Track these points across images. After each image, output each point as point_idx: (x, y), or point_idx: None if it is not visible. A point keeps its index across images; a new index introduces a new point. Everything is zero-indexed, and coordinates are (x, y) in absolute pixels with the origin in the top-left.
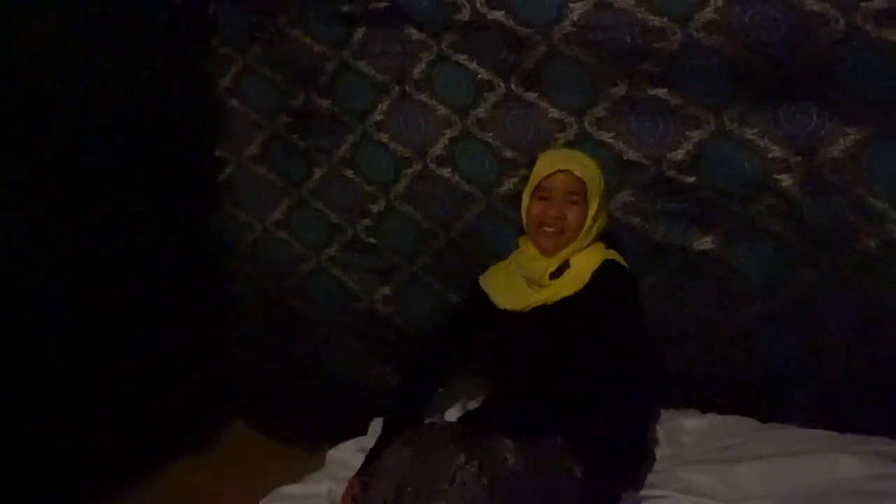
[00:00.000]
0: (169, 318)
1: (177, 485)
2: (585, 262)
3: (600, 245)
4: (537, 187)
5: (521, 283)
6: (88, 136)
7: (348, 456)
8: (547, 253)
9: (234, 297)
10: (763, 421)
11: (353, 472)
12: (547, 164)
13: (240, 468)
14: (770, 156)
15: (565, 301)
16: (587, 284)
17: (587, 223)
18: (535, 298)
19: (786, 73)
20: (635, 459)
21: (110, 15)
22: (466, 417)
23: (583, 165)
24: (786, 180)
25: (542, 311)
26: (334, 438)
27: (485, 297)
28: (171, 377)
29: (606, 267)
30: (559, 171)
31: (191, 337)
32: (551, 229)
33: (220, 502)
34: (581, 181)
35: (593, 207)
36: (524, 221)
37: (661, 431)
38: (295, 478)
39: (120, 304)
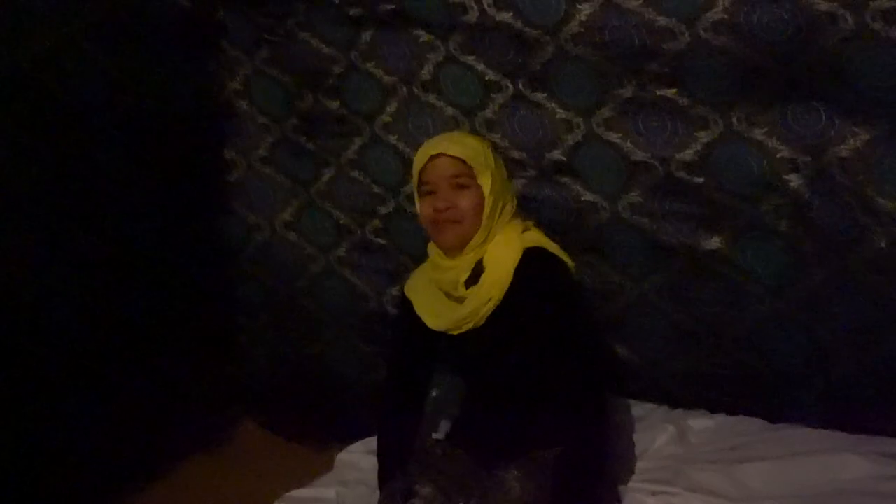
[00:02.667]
0: (179, 319)
1: (188, 485)
2: (502, 259)
3: (514, 228)
4: (420, 183)
5: (439, 297)
6: (98, 140)
7: (357, 458)
8: (452, 252)
9: (244, 299)
10: (771, 421)
11: (360, 474)
12: (420, 154)
13: (251, 468)
14: (778, 156)
15: (496, 314)
16: (511, 286)
17: (486, 206)
18: (459, 316)
19: (794, 72)
20: (599, 466)
21: (119, 19)
22: (453, 439)
23: (459, 144)
24: (794, 180)
25: (474, 331)
26: (343, 438)
27: (413, 309)
28: (182, 378)
29: (528, 259)
30: (433, 157)
31: (201, 338)
32: (446, 223)
33: (233, 503)
34: (461, 161)
35: (486, 186)
36: (424, 227)
37: (669, 431)
38: (305, 478)
39: (130, 305)
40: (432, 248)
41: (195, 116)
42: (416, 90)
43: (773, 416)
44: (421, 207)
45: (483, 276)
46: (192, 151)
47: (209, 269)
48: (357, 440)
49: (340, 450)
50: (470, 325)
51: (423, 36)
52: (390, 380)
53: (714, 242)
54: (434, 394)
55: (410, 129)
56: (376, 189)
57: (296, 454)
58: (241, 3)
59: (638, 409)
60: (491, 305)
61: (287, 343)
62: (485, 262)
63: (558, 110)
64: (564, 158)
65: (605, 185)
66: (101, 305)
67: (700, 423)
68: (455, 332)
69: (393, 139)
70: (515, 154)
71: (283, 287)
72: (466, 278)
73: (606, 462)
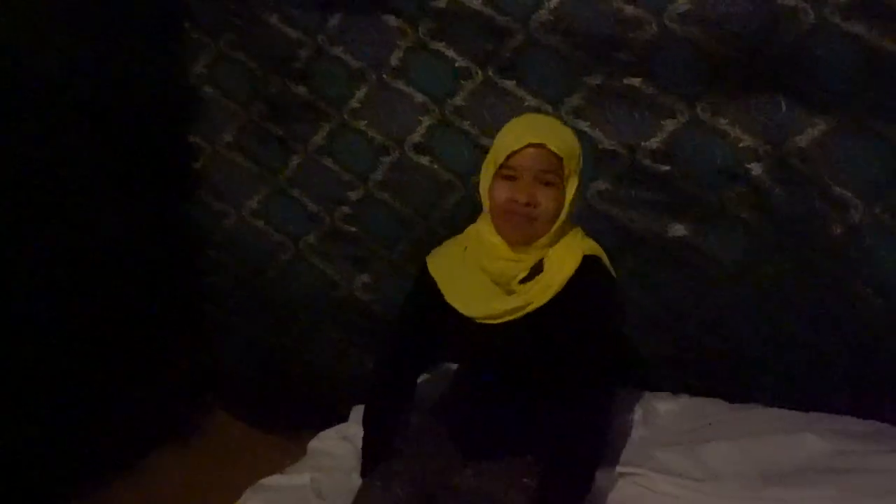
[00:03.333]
0: (146, 308)
1: (160, 475)
2: (560, 263)
3: (576, 233)
4: (503, 166)
5: (482, 282)
6: (59, 126)
7: (330, 445)
8: (514, 245)
9: (212, 287)
10: (732, 402)
11: (335, 461)
12: (515, 136)
13: (223, 458)
14: (741, 145)
15: (539, 312)
16: (564, 290)
17: (564, 210)
18: (502, 308)
19: (757, 64)
20: (591, 472)
21: (79, 2)
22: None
23: (560, 139)
24: (756, 169)
25: (512, 324)
26: (316, 426)
27: (435, 288)
28: (151, 368)
29: (586, 269)
30: (531, 145)
31: (169, 327)
32: (521, 217)
33: (206, 492)
34: (557, 158)
35: (571, 191)
36: (485, 204)
37: (636, 412)
38: (278, 466)
39: (95, 295)
40: (490, 235)
41: (159, 101)
42: (385, 76)
43: (734, 397)
44: (495, 188)
45: (540, 276)
46: (155, 137)
47: (175, 257)
48: (326, 426)
49: (310, 437)
50: (510, 318)
51: (393, 21)
52: (390, 354)
53: (679, 229)
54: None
55: (380, 115)
56: (346, 176)
57: (268, 442)
58: None
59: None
60: (538, 304)
61: (257, 331)
62: (545, 263)
63: (528, 98)
64: None
65: None
66: (65, 296)
67: (665, 404)
68: (488, 322)
69: (362, 125)
70: (485, 141)
71: (251, 275)
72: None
73: (592, 482)
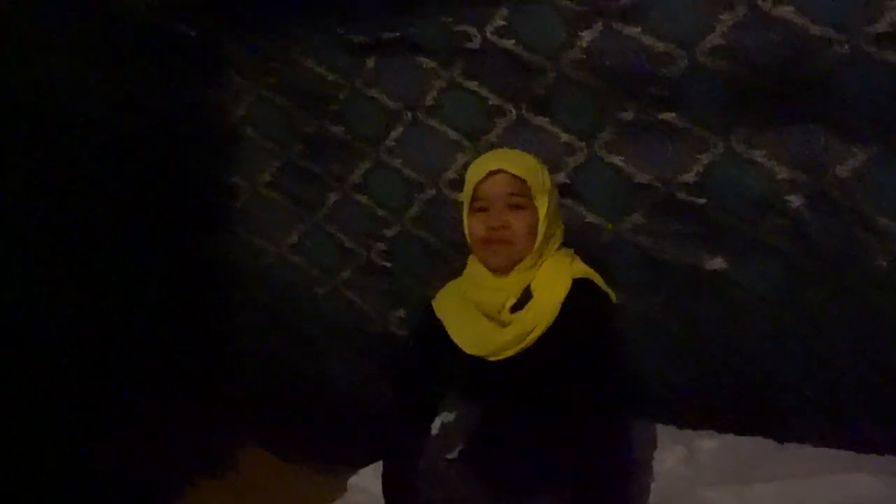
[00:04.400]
0: (183, 344)
1: None
2: (550, 287)
3: (564, 257)
4: (473, 199)
5: (478, 319)
6: (105, 167)
7: (368, 482)
8: (499, 273)
9: (248, 322)
10: (779, 440)
11: (373, 499)
12: (477, 168)
13: (258, 492)
14: (778, 177)
15: (538, 344)
16: (558, 316)
17: (540, 228)
18: (500, 341)
19: (790, 94)
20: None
21: (125, 50)
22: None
23: (518, 161)
24: (794, 201)
25: (512, 358)
26: (349, 460)
27: (442, 329)
28: (186, 403)
29: (578, 292)
30: (491, 172)
31: (205, 362)
32: (498, 244)
33: None
34: (521, 180)
35: (542, 209)
36: (469, 243)
37: (677, 451)
38: (313, 501)
39: (135, 330)
40: (475, 267)
41: (201, 143)
42: (419, 115)
43: (777, 431)
44: (471, 224)
45: (530, 303)
46: (198, 177)
47: (213, 293)
48: (361, 462)
49: (346, 472)
50: (510, 353)
51: (427, 62)
52: (402, 398)
53: (716, 262)
54: (450, 417)
55: (414, 153)
56: (381, 212)
57: (302, 477)
58: (245, 31)
59: (645, 429)
60: (536, 334)
61: (291, 366)
62: (533, 289)
63: (561, 134)
64: (567, 181)
65: (607, 207)
66: (104, 330)
67: (708, 443)
68: (492, 359)
69: (397, 163)
70: None
71: (287, 310)
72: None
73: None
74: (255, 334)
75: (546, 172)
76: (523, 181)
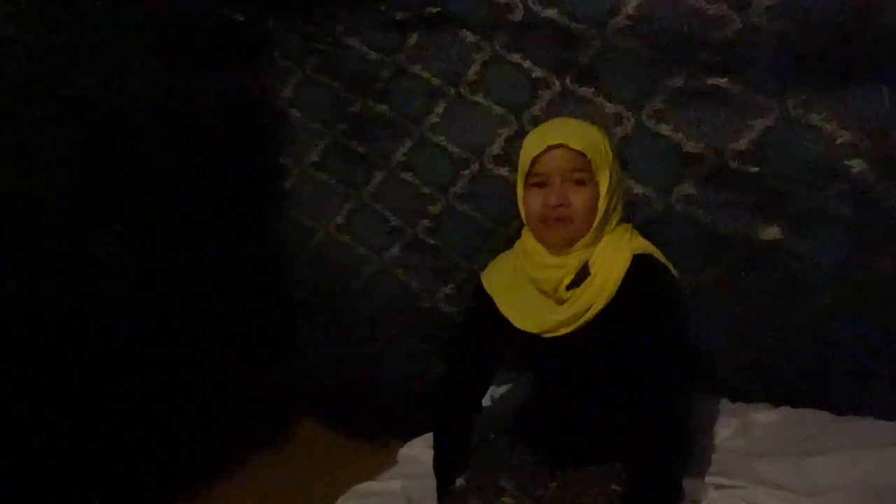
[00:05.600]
0: (240, 322)
1: (254, 483)
2: (609, 264)
3: (624, 231)
4: (529, 173)
5: (533, 294)
6: (161, 153)
7: (419, 452)
8: (556, 250)
9: (302, 301)
10: (838, 413)
11: (424, 468)
12: (535, 141)
13: (314, 465)
14: (839, 141)
15: (594, 321)
16: (618, 293)
17: (601, 205)
18: (556, 319)
19: (853, 54)
20: (678, 478)
21: (174, 38)
22: (516, 436)
23: (580, 134)
24: (857, 166)
25: (569, 335)
26: (401, 434)
27: (493, 305)
28: (244, 379)
29: (638, 268)
30: (551, 147)
31: (261, 340)
32: (557, 221)
33: (296, 498)
34: (582, 155)
35: (604, 184)
36: (523, 217)
37: (732, 424)
38: (366, 474)
39: (194, 310)
40: (530, 243)
41: (249, 126)
42: (462, 90)
43: (839, 407)
44: (528, 200)
45: (588, 280)
46: (248, 160)
47: (267, 273)
48: (413, 435)
49: (398, 445)
50: (566, 330)
51: (469, 36)
52: (454, 371)
53: (772, 232)
54: (501, 391)
55: (458, 129)
56: (426, 189)
57: (357, 451)
58: (289, 13)
59: (699, 402)
60: (593, 312)
61: (344, 343)
62: (591, 266)
63: (607, 104)
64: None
65: (656, 178)
66: (166, 311)
67: (764, 416)
68: (547, 336)
69: (441, 140)
70: None
71: (338, 288)
72: (571, 281)
73: (680, 491)
74: (309, 313)
75: (608, 143)
76: (584, 156)
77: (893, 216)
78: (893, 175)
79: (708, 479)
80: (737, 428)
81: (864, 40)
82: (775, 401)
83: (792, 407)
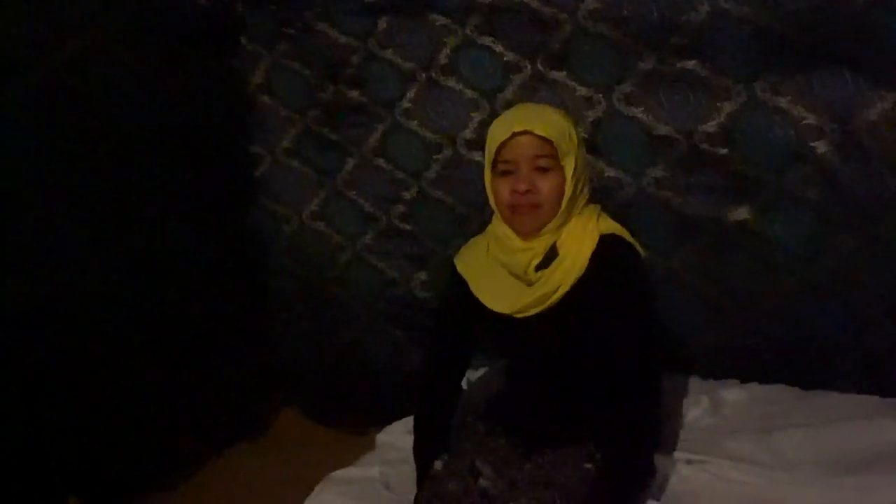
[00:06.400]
0: (215, 312)
1: (232, 472)
2: (577, 245)
3: (591, 212)
4: (496, 161)
5: (504, 277)
6: (128, 140)
7: (397, 438)
8: (526, 236)
9: (277, 289)
10: (805, 389)
11: (401, 454)
12: (501, 128)
13: (292, 454)
14: (804, 123)
15: (563, 302)
16: (585, 273)
17: (567, 190)
18: (526, 300)
19: (818, 39)
20: (645, 471)
21: (142, 21)
22: (492, 419)
23: (545, 121)
24: (821, 147)
25: (539, 316)
26: (380, 421)
27: (467, 287)
28: (220, 369)
29: (604, 248)
30: (516, 133)
31: (237, 329)
32: (525, 207)
33: (277, 487)
34: (547, 142)
35: (570, 169)
36: (492, 204)
37: (702, 402)
38: (346, 461)
39: (168, 300)
40: (500, 227)
41: (219, 113)
42: (434, 75)
43: (807, 386)
44: (496, 187)
45: (556, 261)
46: (218, 147)
47: (241, 261)
48: (392, 421)
49: (377, 431)
50: (537, 310)
51: (440, 20)
52: (432, 357)
53: (741, 213)
54: (478, 374)
55: (431, 114)
56: (399, 175)
57: (336, 439)
58: None
59: (670, 380)
60: (562, 291)
61: (321, 331)
62: (559, 247)
63: (578, 88)
64: (586, 135)
65: (628, 161)
66: (139, 301)
67: (733, 393)
68: (518, 316)
69: (414, 125)
70: None
71: (314, 276)
72: (539, 262)
73: (651, 468)
74: (286, 301)
75: (573, 128)
76: (550, 142)
77: (857, 197)
78: (856, 157)
79: (678, 455)
80: (707, 405)
81: (829, 26)
82: (745, 378)
83: (760, 384)
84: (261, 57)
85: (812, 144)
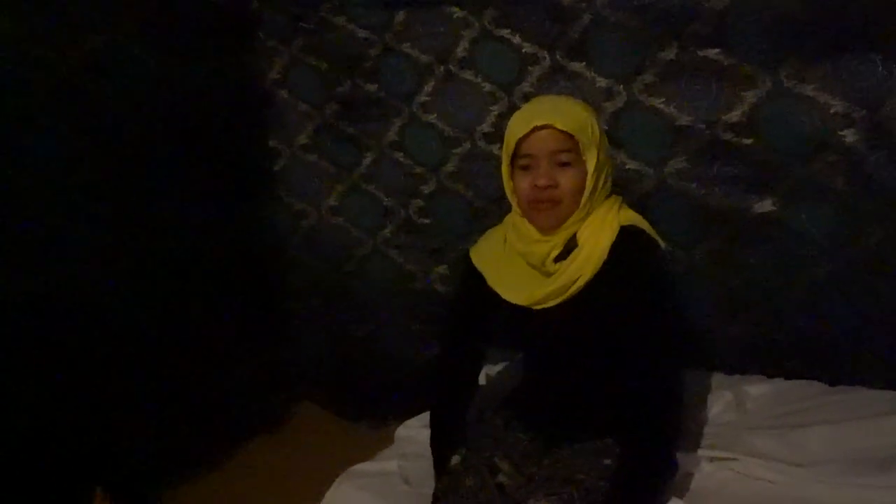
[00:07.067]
0: (235, 306)
1: (254, 465)
2: (596, 236)
3: (612, 204)
4: (515, 155)
5: (522, 268)
6: (145, 137)
7: (415, 433)
8: (546, 231)
9: (296, 283)
10: (831, 384)
11: (420, 448)
12: (521, 122)
13: (312, 447)
14: (832, 111)
15: (583, 293)
16: (605, 264)
17: (588, 184)
18: (544, 291)
19: (846, 22)
20: (665, 466)
21: (159, 21)
22: (510, 413)
23: (566, 114)
24: (849, 136)
25: (558, 307)
26: (398, 415)
27: (482, 280)
28: (241, 363)
29: (624, 239)
30: (537, 128)
31: (257, 323)
32: (546, 203)
33: (295, 480)
34: (569, 136)
35: (591, 163)
36: (511, 199)
37: (725, 397)
38: (365, 455)
39: (186, 294)
40: (519, 221)
41: (238, 109)
42: (452, 68)
43: (833, 379)
44: (516, 182)
45: (575, 252)
46: (236, 143)
47: (260, 256)
48: (411, 415)
49: (396, 425)
50: (555, 302)
51: (457, 12)
52: (447, 350)
53: (766, 205)
54: (495, 369)
55: (448, 107)
56: (418, 169)
57: (354, 432)
58: None
59: (693, 375)
60: (581, 282)
61: (340, 324)
62: (579, 238)
63: (598, 79)
64: (606, 127)
65: (649, 152)
66: (159, 296)
67: (757, 388)
68: (536, 308)
69: (431, 118)
70: None
71: (332, 271)
72: (558, 253)
73: (672, 463)
74: (305, 296)
75: (595, 121)
76: (571, 136)
77: (885, 187)
78: (885, 145)
79: (701, 451)
80: (730, 401)
81: (857, 9)
82: (770, 373)
83: (785, 379)
84: (277, 52)
85: (840, 133)
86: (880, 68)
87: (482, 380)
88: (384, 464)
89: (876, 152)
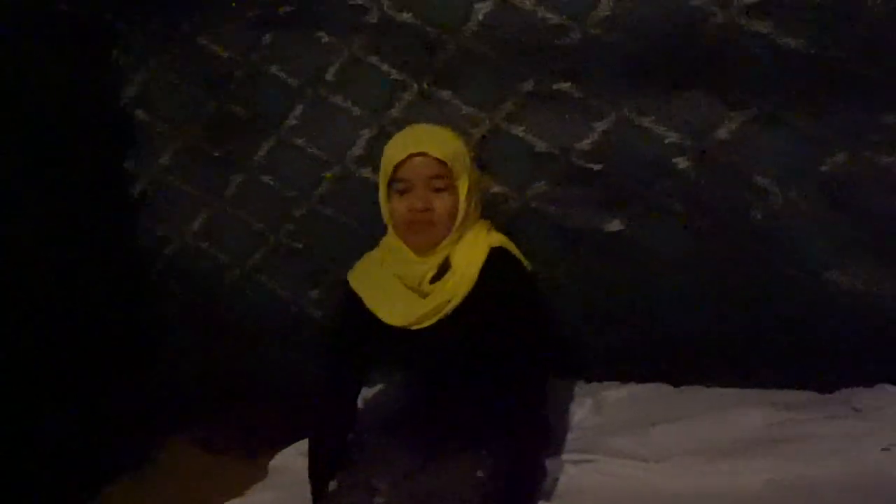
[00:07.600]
0: (95, 340)
1: None
2: (468, 258)
3: (481, 227)
4: (393, 179)
5: (399, 290)
6: None
7: (290, 462)
8: (421, 252)
9: (161, 314)
10: (676, 385)
11: (297, 476)
12: (398, 148)
13: (181, 485)
14: (667, 141)
15: (457, 313)
16: (476, 284)
17: (461, 208)
18: (420, 311)
19: (677, 64)
20: (536, 474)
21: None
22: (391, 431)
23: (441, 143)
24: (682, 163)
25: (434, 327)
26: (272, 445)
27: (361, 303)
28: (103, 400)
29: (493, 261)
30: (413, 154)
31: (119, 356)
32: (421, 224)
33: None
34: (442, 163)
35: (463, 189)
36: (387, 221)
37: (587, 404)
38: (237, 490)
39: (41, 327)
40: (395, 243)
41: (91, 129)
42: (322, 91)
43: (682, 380)
44: (393, 204)
45: (449, 274)
46: (90, 166)
47: (121, 285)
48: (285, 446)
49: (271, 457)
50: (431, 321)
51: (325, 37)
52: (327, 377)
53: (616, 224)
54: (373, 391)
55: (319, 131)
56: (289, 192)
57: (227, 466)
58: (130, 7)
59: (556, 385)
60: (455, 302)
61: (211, 355)
62: (452, 260)
63: (463, 107)
64: (473, 154)
65: (512, 177)
66: (9, 328)
67: (613, 393)
68: (414, 328)
69: (301, 142)
70: None
71: (200, 299)
72: (434, 275)
73: (543, 469)
74: (170, 325)
75: (466, 149)
76: (445, 164)
77: (714, 207)
78: (712, 171)
79: (566, 456)
80: (590, 407)
81: (688, 54)
82: (626, 380)
83: (637, 383)
84: (135, 70)
85: (674, 160)
86: (703, 104)
87: (359, 403)
88: (258, 497)
89: (704, 177)
